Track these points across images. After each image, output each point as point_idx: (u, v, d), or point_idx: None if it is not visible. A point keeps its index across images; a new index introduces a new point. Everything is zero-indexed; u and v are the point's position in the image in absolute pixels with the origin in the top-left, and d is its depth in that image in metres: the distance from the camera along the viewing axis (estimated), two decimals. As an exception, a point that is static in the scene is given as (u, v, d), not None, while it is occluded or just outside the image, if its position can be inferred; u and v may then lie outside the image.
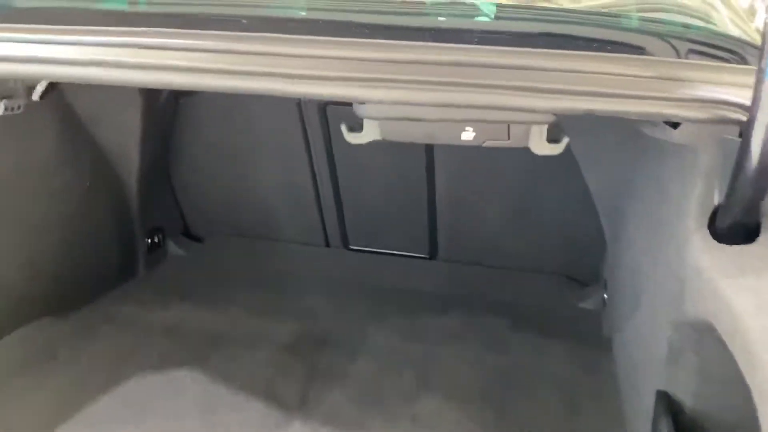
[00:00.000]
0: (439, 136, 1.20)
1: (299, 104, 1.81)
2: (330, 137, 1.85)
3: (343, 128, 1.26)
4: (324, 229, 2.10)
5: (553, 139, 1.24)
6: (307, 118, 1.83)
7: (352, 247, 2.12)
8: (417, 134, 1.18)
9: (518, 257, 2.02)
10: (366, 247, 2.12)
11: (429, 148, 1.82)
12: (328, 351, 1.64)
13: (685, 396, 1.09)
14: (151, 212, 2.05)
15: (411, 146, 1.76)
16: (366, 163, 1.91)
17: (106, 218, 1.90)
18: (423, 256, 2.08)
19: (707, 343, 0.97)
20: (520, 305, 1.92)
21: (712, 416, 1.06)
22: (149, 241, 2.06)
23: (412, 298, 1.94)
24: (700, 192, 1.03)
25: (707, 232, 0.96)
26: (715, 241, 0.94)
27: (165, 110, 1.88)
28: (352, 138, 1.24)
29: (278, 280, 2.01)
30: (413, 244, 2.06)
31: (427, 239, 2.04)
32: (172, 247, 2.16)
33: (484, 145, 1.24)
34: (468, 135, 1.16)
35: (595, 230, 1.81)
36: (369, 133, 1.19)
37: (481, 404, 1.45)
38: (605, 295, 1.85)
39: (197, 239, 2.24)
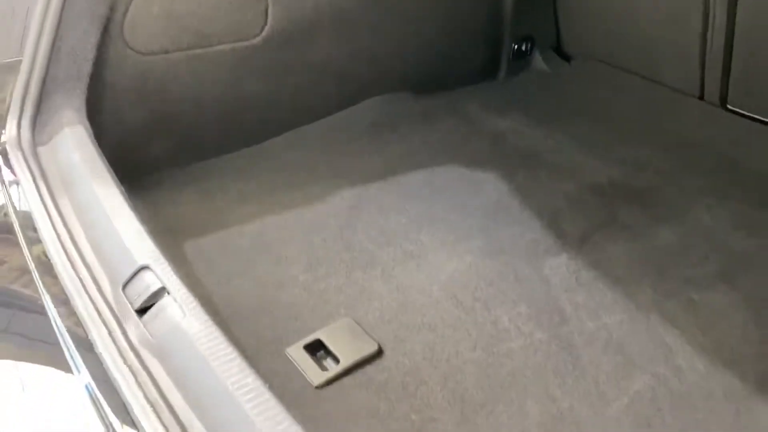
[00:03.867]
0: None
1: None
2: None
3: None
4: (702, 77, 1.79)
5: None
6: None
7: (729, 106, 1.78)
8: None
9: None
10: (748, 111, 1.75)
11: None
12: (637, 206, 1.51)
13: None
14: (525, 18, 2.03)
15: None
16: None
17: (477, 15, 1.97)
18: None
19: None
20: None
21: None
22: (516, 47, 2.08)
23: None
24: None
25: None
26: None
27: None
28: None
29: (624, 118, 1.85)
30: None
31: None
32: (538, 61, 2.14)
33: None
34: None
35: None
36: None
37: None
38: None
39: (566, 58, 2.16)
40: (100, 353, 0.83)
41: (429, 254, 1.34)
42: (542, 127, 1.83)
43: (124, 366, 0.81)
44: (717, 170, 1.64)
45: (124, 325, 0.86)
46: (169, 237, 1.31)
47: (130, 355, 0.82)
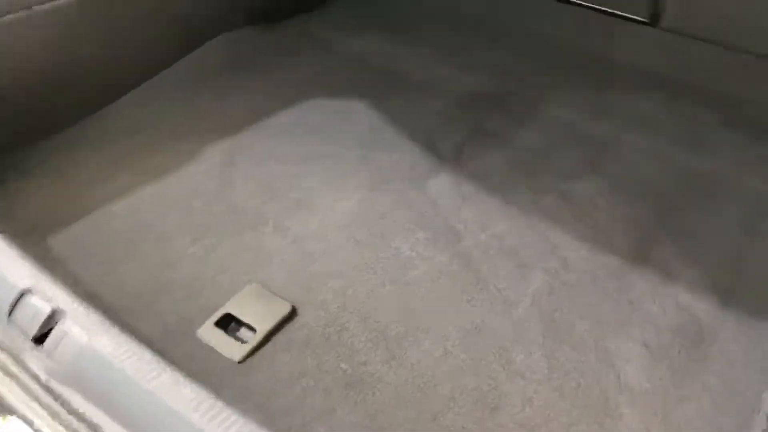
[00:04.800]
0: None
1: None
2: None
3: None
4: None
5: None
6: None
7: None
8: None
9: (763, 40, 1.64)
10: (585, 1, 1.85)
11: None
12: (498, 111, 1.57)
13: None
14: None
15: None
16: None
17: None
18: (642, 19, 1.77)
19: None
20: (741, 98, 1.61)
21: None
22: None
23: (609, 68, 1.72)
24: None
25: None
26: None
27: None
28: None
29: (475, 26, 1.89)
30: (632, 4, 1.75)
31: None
32: None
33: None
34: None
35: None
36: None
37: (648, 202, 1.33)
38: None
39: None
40: (3, 396, 0.75)
41: (316, 198, 1.32)
42: (403, 43, 1.81)
43: (34, 402, 0.74)
44: (567, 65, 1.74)
45: (23, 359, 0.77)
46: (33, 236, 1.18)
47: (38, 390, 0.75)
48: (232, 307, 1.09)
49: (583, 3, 1.75)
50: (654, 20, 1.74)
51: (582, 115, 1.56)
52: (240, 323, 1.07)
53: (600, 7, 1.72)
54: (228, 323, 1.08)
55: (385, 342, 1.05)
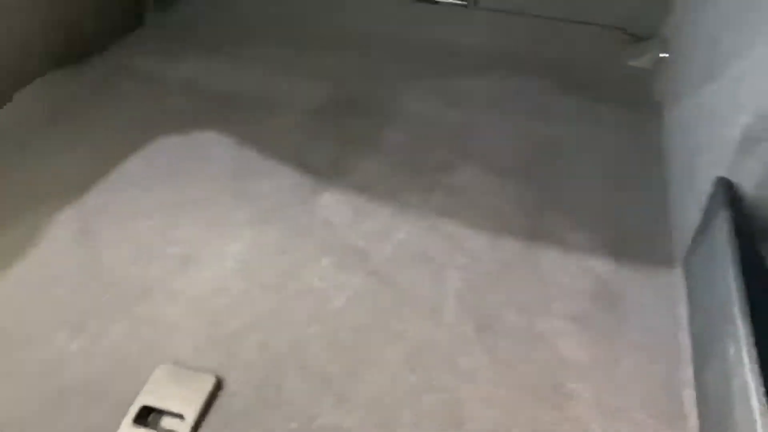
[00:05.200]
0: None
1: None
2: None
3: None
4: None
5: None
6: None
7: None
8: None
9: (569, 6, 1.79)
10: None
11: None
12: (358, 116, 1.54)
13: (749, 186, 1.03)
14: None
15: None
16: None
17: None
18: (461, 2, 1.84)
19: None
20: (567, 63, 1.75)
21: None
22: None
23: (450, 54, 1.77)
24: None
25: None
26: None
27: None
28: None
29: (303, 34, 1.83)
30: None
31: None
32: None
33: None
34: None
35: None
36: None
37: (521, 177, 1.39)
38: (661, 54, 1.68)
39: None
40: None
41: (201, 248, 1.19)
42: (230, 63, 1.70)
43: None
44: (409, 58, 1.75)
45: None
46: None
47: None
48: (148, 398, 0.94)
49: None
50: (472, 2, 1.83)
51: (437, 105, 1.59)
52: (162, 413, 0.94)
53: None
54: (147, 417, 0.93)
55: (328, 386, 0.98)
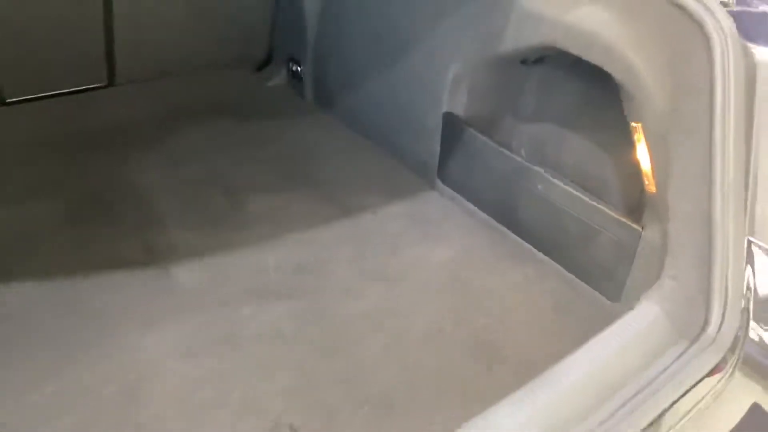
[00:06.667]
0: None
1: None
2: None
3: None
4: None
5: None
6: None
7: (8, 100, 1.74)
8: None
9: (201, 55, 2.01)
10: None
11: None
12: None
13: (461, 112, 1.55)
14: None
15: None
16: None
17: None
18: (100, 85, 1.86)
19: (480, 71, 1.48)
20: (213, 106, 1.95)
21: (475, 121, 1.53)
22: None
23: (98, 137, 1.76)
24: None
25: None
26: None
27: None
28: None
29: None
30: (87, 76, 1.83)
31: (104, 65, 1.81)
32: None
33: None
34: None
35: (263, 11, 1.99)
36: None
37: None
38: (296, 68, 2.03)
39: None
40: None
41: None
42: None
43: None
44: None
45: None
46: None
47: None
48: None
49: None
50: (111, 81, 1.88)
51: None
52: None
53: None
54: None
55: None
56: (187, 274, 1.33)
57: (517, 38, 1.31)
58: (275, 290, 1.31)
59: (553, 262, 1.40)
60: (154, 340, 1.17)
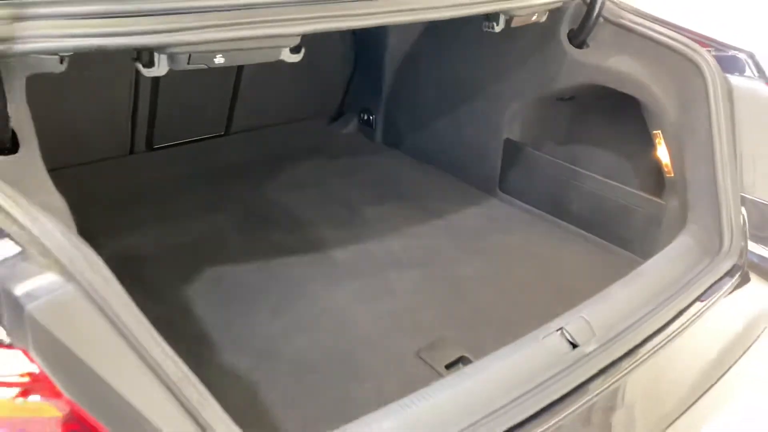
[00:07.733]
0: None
1: None
2: None
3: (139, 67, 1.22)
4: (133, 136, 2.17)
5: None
6: None
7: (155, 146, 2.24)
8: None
9: (289, 110, 2.51)
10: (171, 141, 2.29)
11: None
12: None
13: (516, 137, 2.08)
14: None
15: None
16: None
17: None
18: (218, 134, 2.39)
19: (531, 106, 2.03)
20: (304, 148, 2.44)
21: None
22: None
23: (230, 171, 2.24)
24: None
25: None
26: None
27: None
28: (148, 72, 1.20)
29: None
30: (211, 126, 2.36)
31: (224, 120, 2.35)
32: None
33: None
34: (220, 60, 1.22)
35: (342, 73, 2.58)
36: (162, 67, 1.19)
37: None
38: (368, 117, 2.56)
39: None
40: None
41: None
42: None
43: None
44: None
45: None
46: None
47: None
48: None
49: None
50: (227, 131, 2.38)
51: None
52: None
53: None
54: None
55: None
56: (342, 255, 1.83)
57: (567, 80, 1.87)
58: (407, 263, 1.83)
59: (597, 238, 1.93)
60: (340, 294, 1.67)
